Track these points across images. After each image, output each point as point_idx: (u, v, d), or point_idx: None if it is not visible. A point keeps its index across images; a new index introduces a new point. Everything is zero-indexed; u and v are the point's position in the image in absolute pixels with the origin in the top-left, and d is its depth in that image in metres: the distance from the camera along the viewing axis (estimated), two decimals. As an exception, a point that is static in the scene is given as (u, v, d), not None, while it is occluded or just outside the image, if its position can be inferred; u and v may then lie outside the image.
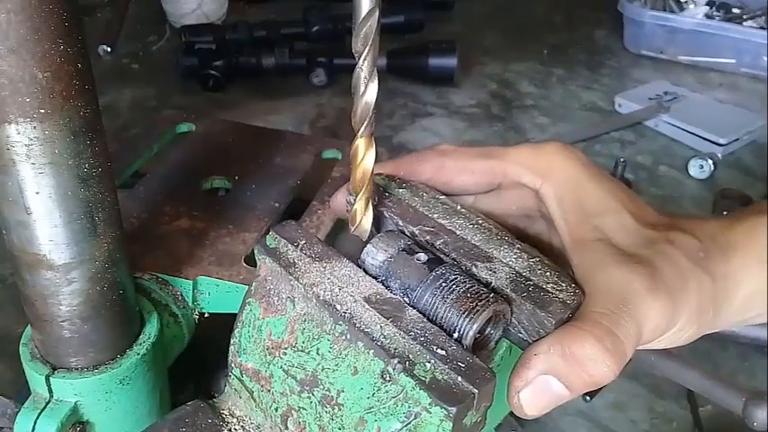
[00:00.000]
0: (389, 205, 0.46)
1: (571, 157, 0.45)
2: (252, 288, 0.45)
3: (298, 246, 0.43)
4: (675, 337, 0.41)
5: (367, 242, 0.44)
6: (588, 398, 0.86)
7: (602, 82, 1.65)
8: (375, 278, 0.42)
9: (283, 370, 0.43)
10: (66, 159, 0.43)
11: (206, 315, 0.62)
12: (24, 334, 0.54)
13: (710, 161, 1.30)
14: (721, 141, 1.36)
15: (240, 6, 1.94)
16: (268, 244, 0.44)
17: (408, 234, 0.44)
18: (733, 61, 1.67)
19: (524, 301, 0.40)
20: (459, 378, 0.36)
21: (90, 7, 1.82)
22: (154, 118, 0.87)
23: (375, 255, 0.42)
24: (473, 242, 0.43)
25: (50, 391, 0.52)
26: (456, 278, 0.40)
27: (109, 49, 1.69)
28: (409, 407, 0.37)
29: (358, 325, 0.39)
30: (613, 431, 0.83)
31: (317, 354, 0.41)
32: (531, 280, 0.41)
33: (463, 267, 0.42)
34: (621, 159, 1.18)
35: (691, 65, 1.71)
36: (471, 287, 0.39)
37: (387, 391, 0.38)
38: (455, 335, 0.39)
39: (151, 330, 0.55)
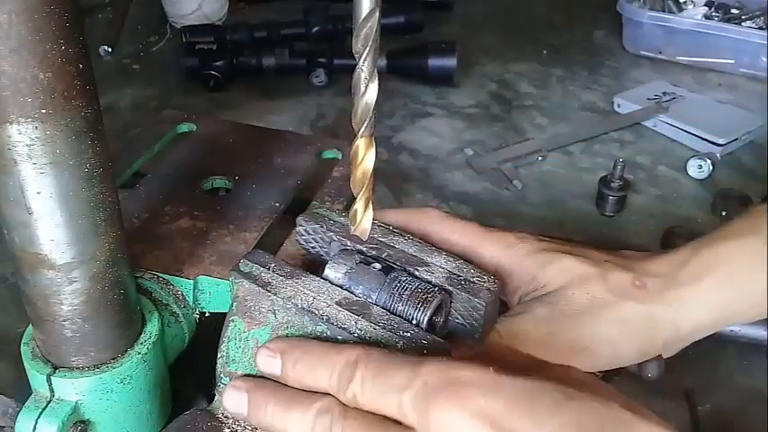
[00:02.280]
0: (336, 230, 0.55)
1: (526, 241, 0.56)
2: (233, 308, 0.51)
3: (269, 268, 0.51)
4: (595, 359, 0.51)
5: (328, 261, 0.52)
6: (587, 397, 0.87)
7: (601, 82, 1.65)
8: (340, 287, 0.50)
9: None
10: (68, 159, 0.44)
11: (206, 314, 0.63)
12: (25, 333, 0.54)
13: (709, 161, 1.30)
14: (720, 141, 1.36)
15: (240, 7, 1.94)
16: (242, 269, 0.51)
17: (357, 251, 0.53)
18: (732, 61, 1.67)
19: (460, 291, 0.50)
20: (425, 352, 0.45)
21: (91, 8, 1.82)
22: (154, 118, 0.87)
23: (337, 269, 0.51)
24: (410, 253, 0.53)
25: (51, 391, 0.52)
26: (407, 279, 0.50)
27: (110, 50, 1.69)
28: None
29: (336, 323, 0.47)
30: (612, 430, 0.83)
31: None
32: (460, 276, 0.51)
33: (409, 271, 0.51)
34: (620, 159, 1.18)
35: (689, 65, 1.71)
36: (420, 285, 0.49)
37: None
38: (413, 322, 0.48)
39: (152, 330, 0.55)
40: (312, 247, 0.56)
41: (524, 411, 0.36)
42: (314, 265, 0.56)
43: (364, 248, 0.53)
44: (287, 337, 0.49)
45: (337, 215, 0.57)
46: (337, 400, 0.44)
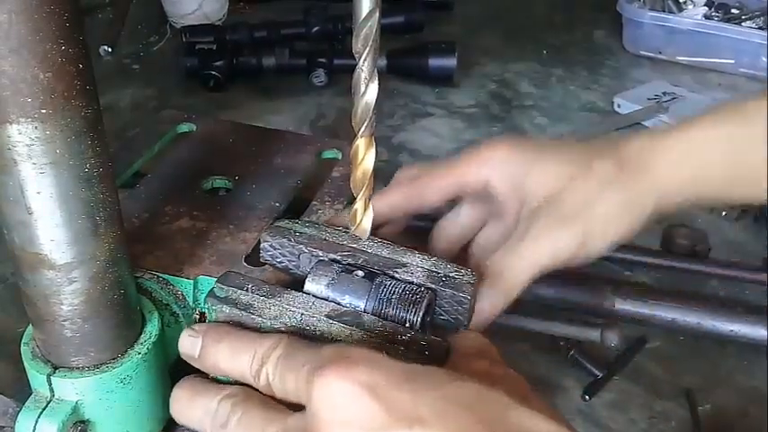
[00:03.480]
0: (305, 242, 0.53)
1: (504, 149, 0.57)
2: None
3: (247, 290, 0.48)
4: (597, 244, 0.54)
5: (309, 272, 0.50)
6: (587, 397, 0.87)
7: (602, 82, 1.65)
8: (325, 299, 0.48)
9: None
10: (68, 159, 0.44)
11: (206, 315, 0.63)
12: (25, 333, 0.54)
13: (710, 161, 1.30)
14: (720, 141, 1.36)
15: (240, 7, 1.94)
16: (218, 295, 0.49)
17: (333, 260, 0.51)
18: (732, 62, 1.67)
19: (444, 288, 0.49)
20: (426, 353, 0.44)
21: (91, 8, 1.83)
22: (154, 118, 0.87)
23: (319, 281, 0.49)
24: (384, 255, 0.51)
25: (51, 391, 0.52)
26: (392, 283, 0.48)
27: (110, 50, 1.69)
28: None
29: (329, 337, 0.46)
30: (612, 430, 0.84)
31: None
32: (439, 273, 0.50)
33: (388, 275, 0.50)
34: (621, 159, 1.18)
35: (689, 65, 1.71)
36: (407, 287, 0.48)
37: None
38: (407, 325, 0.47)
39: (152, 330, 0.55)
40: (279, 262, 0.54)
41: (405, 385, 0.38)
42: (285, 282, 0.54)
43: (339, 257, 0.51)
44: None
45: (301, 226, 0.55)
46: (246, 389, 0.45)
